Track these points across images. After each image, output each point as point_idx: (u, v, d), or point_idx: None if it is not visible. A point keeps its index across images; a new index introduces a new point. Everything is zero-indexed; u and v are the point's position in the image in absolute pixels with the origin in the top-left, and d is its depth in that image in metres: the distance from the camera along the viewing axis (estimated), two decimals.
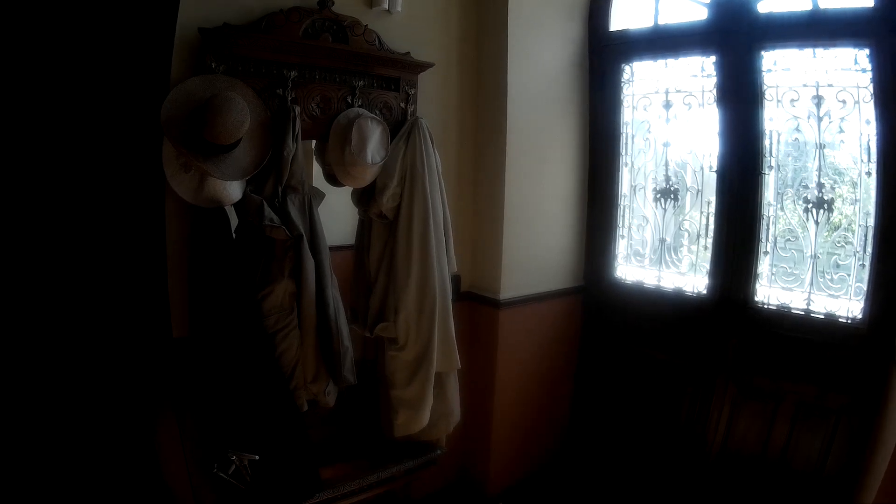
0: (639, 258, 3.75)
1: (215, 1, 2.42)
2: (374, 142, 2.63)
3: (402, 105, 2.89)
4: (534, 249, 3.59)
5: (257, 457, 2.36)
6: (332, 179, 2.77)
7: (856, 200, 2.92)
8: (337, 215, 2.94)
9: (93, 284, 2.45)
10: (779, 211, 3.13)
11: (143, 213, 2.44)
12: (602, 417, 3.89)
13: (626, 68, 3.66)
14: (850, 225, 2.95)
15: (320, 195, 2.64)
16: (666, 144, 3.53)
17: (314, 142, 2.78)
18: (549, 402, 3.87)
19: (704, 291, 3.38)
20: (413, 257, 2.75)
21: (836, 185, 2.97)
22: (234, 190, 2.36)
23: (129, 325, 2.50)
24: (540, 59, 3.47)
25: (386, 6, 2.90)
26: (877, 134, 2.81)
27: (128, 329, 2.49)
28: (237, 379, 2.39)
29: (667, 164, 3.54)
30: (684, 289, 3.50)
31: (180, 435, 2.51)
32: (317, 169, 2.86)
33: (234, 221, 2.46)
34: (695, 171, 3.41)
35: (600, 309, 3.87)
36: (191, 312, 2.45)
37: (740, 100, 3.15)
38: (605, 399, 3.87)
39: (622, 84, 3.68)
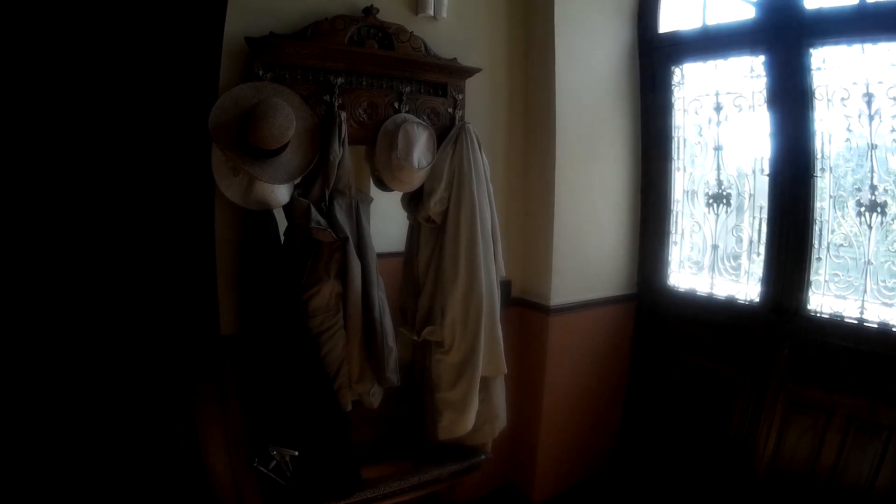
0: (692, 265, 3.67)
1: (261, 11, 2.48)
2: (420, 146, 2.65)
3: (450, 110, 2.90)
4: (585, 256, 3.54)
5: (297, 452, 2.40)
6: (381, 184, 2.79)
7: None
8: (389, 221, 2.97)
9: (145, 282, 2.53)
10: (832, 215, 3.01)
11: (194, 215, 2.51)
12: (653, 427, 3.83)
13: (677, 70, 3.60)
14: None
15: (368, 199, 2.67)
16: (717, 148, 3.46)
17: (366, 147, 2.80)
18: (599, 410, 3.82)
19: (757, 299, 3.29)
20: (460, 261, 2.75)
21: (889, 188, 2.85)
22: (281, 193, 2.41)
23: (178, 321, 2.56)
24: (588, 62, 3.43)
25: (431, 12, 2.92)
26: None
27: (177, 325, 2.56)
28: (282, 377, 2.43)
29: (718, 168, 3.46)
30: (737, 297, 3.41)
31: (224, 429, 2.58)
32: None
33: (282, 224, 2.51)
34: (746, 175, 3.33)
35: (653, 317, 3.79)
36: (239, 311, 2.52)
37: (790, 100, 3.06)
38: (657, 408, 3.80)
39: (673, 87, 3.62)
